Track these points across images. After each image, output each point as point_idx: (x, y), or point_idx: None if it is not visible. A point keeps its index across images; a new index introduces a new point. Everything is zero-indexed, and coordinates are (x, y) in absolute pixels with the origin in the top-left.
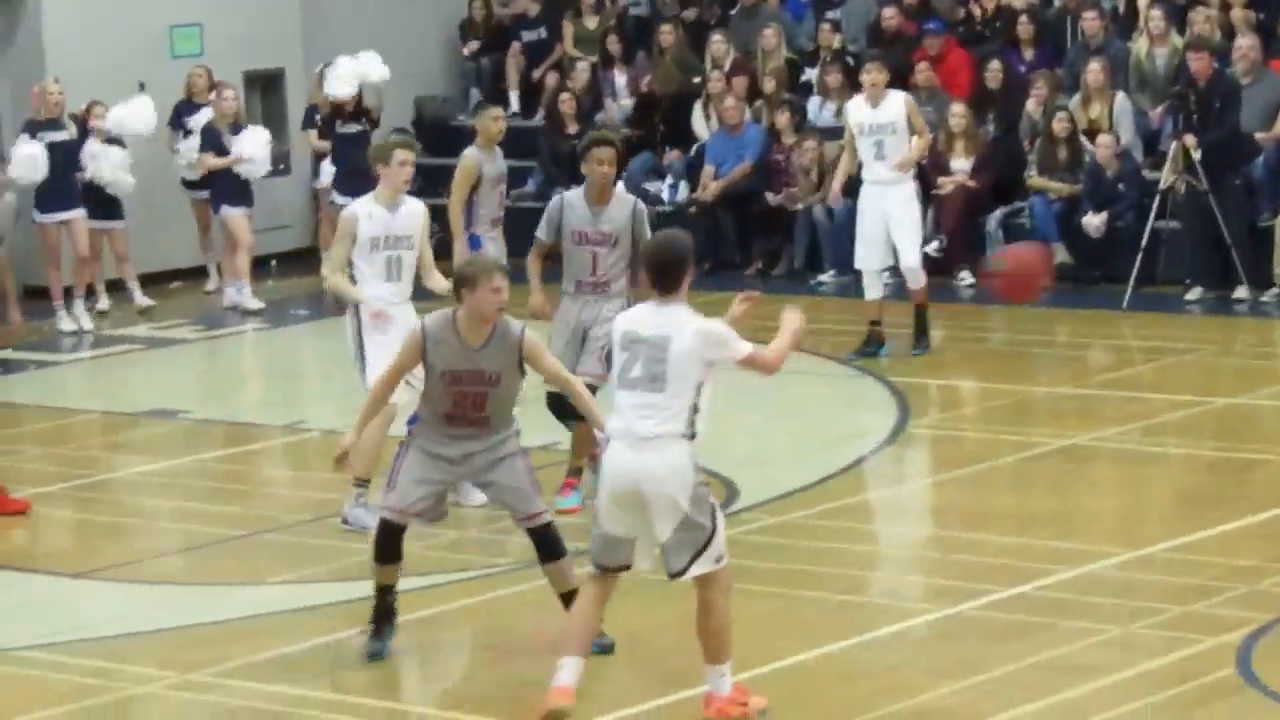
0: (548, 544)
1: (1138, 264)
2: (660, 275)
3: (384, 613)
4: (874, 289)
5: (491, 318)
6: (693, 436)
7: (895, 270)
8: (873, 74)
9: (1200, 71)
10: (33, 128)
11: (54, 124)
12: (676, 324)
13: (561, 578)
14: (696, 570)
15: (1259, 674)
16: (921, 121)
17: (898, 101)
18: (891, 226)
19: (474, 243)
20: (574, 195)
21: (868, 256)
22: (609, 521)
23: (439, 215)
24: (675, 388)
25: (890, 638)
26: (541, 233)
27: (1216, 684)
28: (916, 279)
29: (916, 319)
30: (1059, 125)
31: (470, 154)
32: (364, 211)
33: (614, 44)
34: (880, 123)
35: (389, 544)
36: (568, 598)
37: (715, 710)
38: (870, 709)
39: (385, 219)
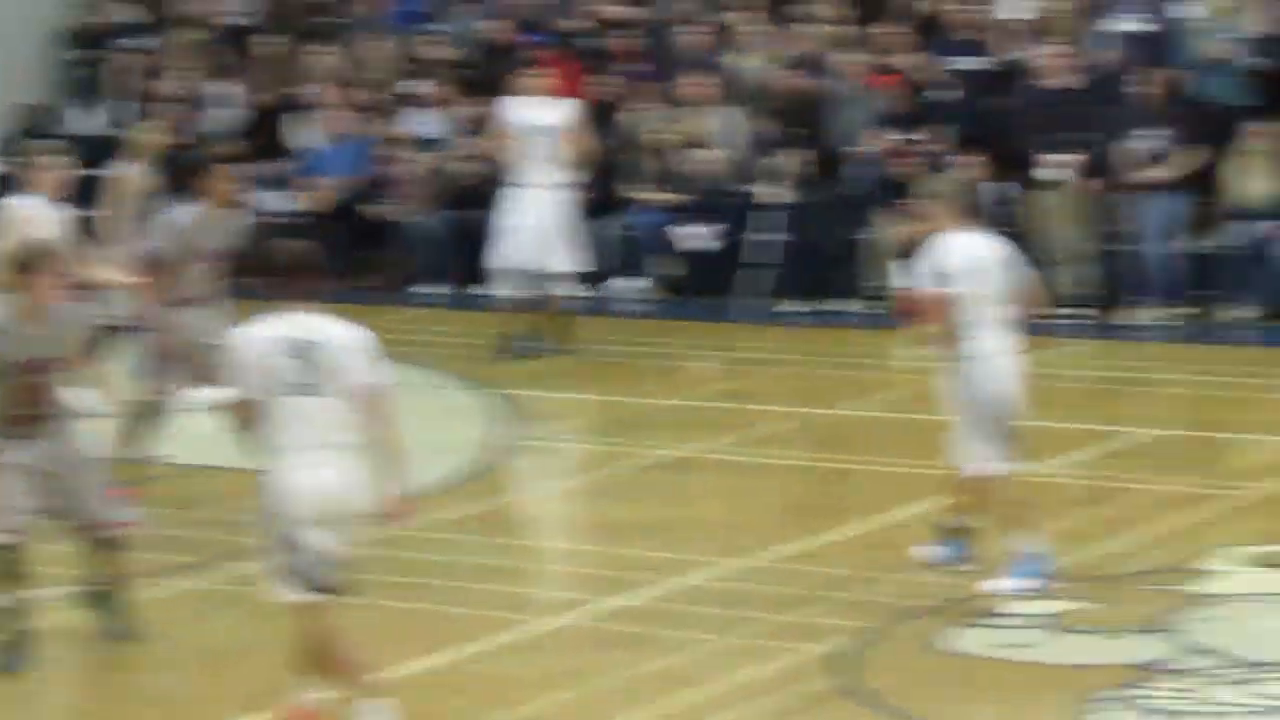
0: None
1: (755, 277)
2: (287, 279)
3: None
4: (513, 289)
5: (56, 301)
6: (355, 446)
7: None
8: (537, 79)
9: (797, 87)
10: None
11: None
12: (321, 328)
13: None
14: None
15: (855, 683)
16: (586, 130)
17: (562, 107)
18: (546, 231)
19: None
20: (197, 214)
21: (514, 256)
22: (315, 538)
23: None
24: (334, 393)
25: (496, 649)
26: (165, 250)
27: (814, 693)
28: (563, 285)
29: (557, 324)
30: (657, 138)
31: (130, 168)
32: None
33: (217, 54)
34: (540, 126)
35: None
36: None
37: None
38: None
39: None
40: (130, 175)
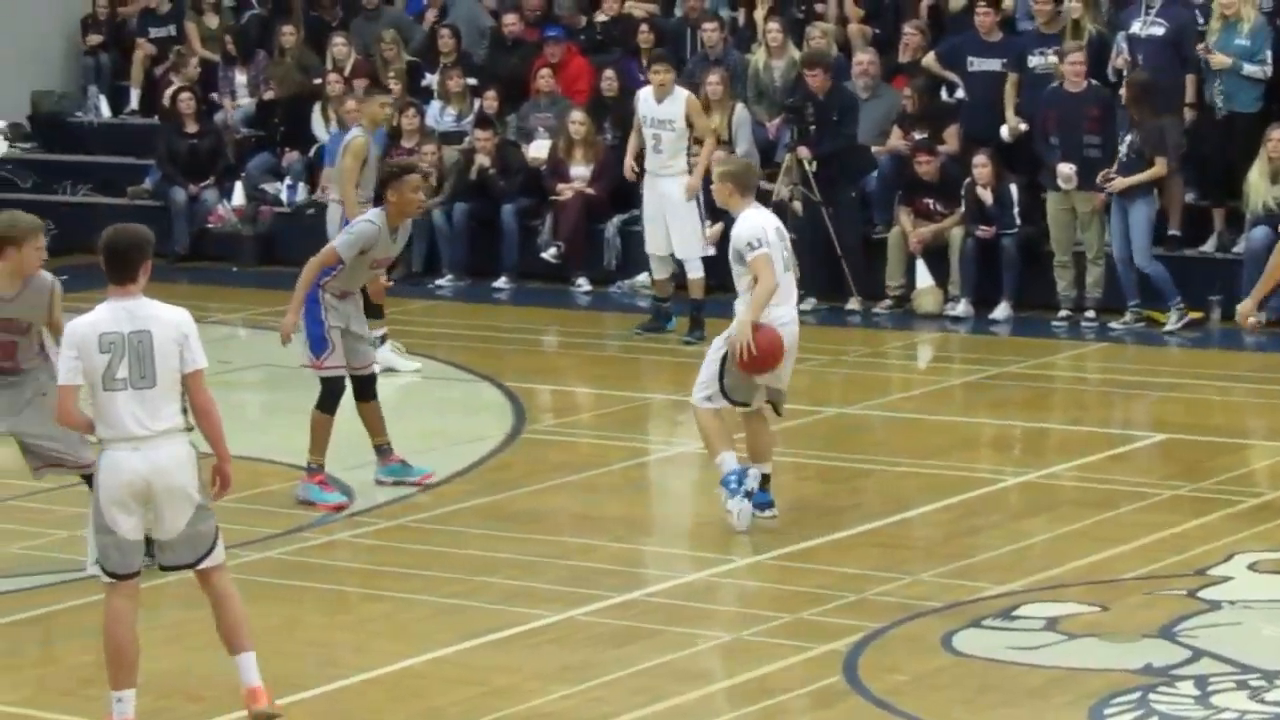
0: None
1: None
2: (121, 264)
3: None
4: (659, 270)
5: (31, 273)
6: (190, 429)
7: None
8: (660, 74)
9: (818, 86)
10: None
11: None
12: (154, 316)
13: None
14: (210, 562)
15: (865, 680)
16: (704, 122)
17: (680, 100)
18: (668, 215)
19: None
20: (382, 222)
21: (649, 239)
22: (123, 525)
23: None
24: (166, 380)
25: (501, 642)
26: (347, 254)
27: (824, 691)
28: (692, 269)
29: (693, 309)
30: None
31: (360, 134)
32: None
33: (233, 43)
34: (660, 118)
35: None
36: None
37: (266, 700)
38: (480, 713)
39: None
40: (361, 142)
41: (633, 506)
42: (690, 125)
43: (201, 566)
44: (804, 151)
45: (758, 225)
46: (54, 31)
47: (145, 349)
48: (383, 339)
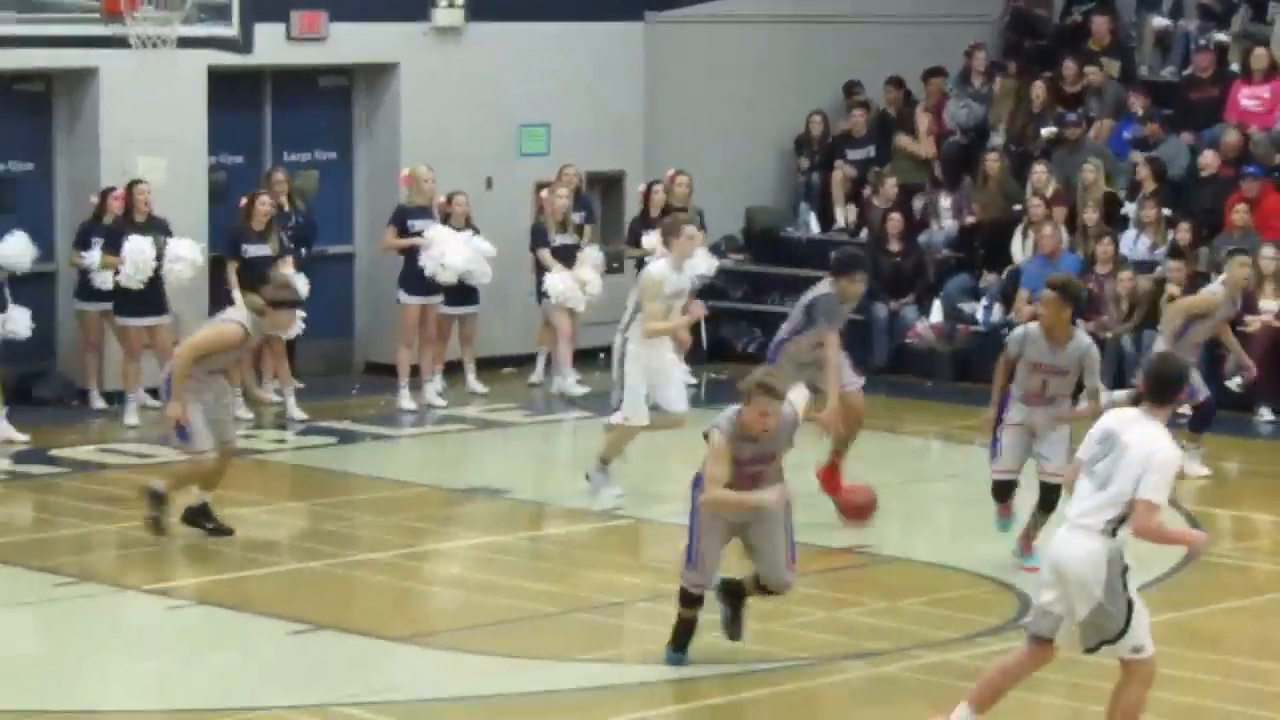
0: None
1: None
2: (1161, 388)
3: (688, 633)
4: None
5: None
6: (1113, 534)
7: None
8: None
9: None
10: (403, 215)
11: (423, 211)
12: (1144, 438)
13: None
14: (1122, 650)
15: None
16: None
17: None
18: None
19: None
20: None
21: None
22: (1042, 594)
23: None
24: (1117, 488)
25: None
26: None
27: None
28: None
29: None
30: None
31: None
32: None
33: (940, 168)
34: None
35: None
36: None
37: None
38: None
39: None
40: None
41: None
42: None
43: (1102, 653)
44: None
45: None
46: (769, 150)
47: (1117, 455)
48: None
